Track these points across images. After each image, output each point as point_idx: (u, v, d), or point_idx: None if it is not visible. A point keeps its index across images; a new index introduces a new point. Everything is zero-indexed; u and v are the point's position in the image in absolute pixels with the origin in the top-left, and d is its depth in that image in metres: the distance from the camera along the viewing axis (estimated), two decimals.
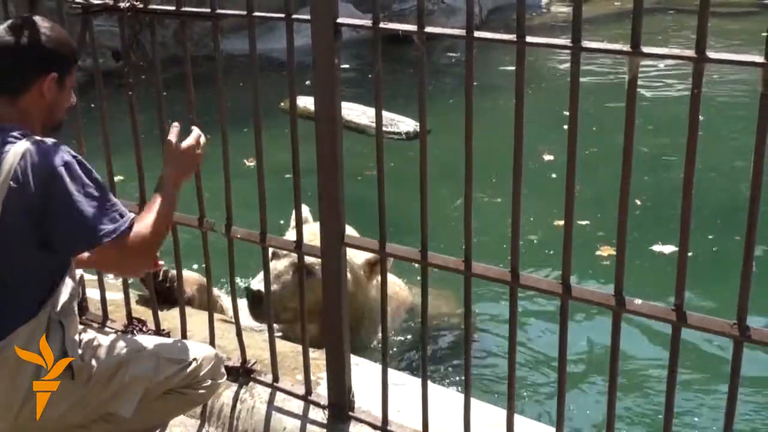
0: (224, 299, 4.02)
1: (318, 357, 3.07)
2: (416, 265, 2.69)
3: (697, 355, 4.33)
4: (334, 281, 2.82)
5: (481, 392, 3.84)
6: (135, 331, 3.42)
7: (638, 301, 2.30)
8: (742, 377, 2.22)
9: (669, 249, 5.38)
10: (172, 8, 2.89)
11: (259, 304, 3.65)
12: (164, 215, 2.55)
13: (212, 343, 3.20)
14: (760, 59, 1.93)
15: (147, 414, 2.66)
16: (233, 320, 3.25)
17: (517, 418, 2.64)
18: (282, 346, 3.29)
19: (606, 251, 5.35)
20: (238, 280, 3.32)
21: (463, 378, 2.73)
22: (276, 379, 3.12)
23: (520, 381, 4.02)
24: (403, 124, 7.00)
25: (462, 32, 2.32)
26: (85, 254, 2.62)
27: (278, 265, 3.83)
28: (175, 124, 2.72)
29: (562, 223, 2.39)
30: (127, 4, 2.94)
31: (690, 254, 2.21)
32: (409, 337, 4.28)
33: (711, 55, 2.00)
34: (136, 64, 3.04)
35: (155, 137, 3.09)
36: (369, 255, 3.72)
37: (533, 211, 5.86)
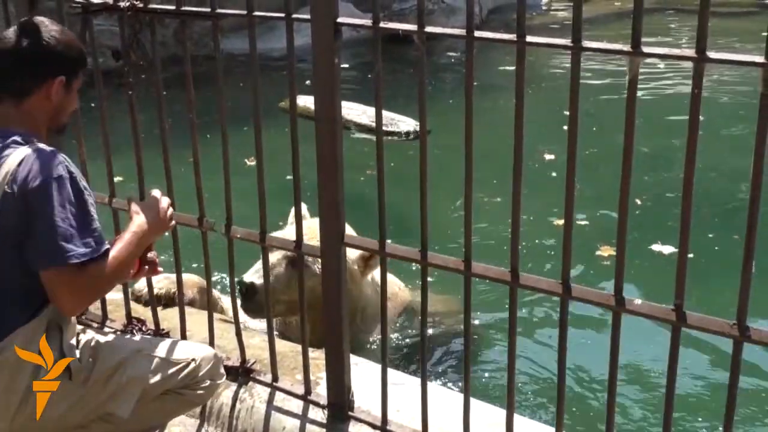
0: (225, 300, 4.02)
1: (317, 357, 3.07)
2: (415, 266, 2.69)
3: (697, 354, 4.33)
4: (333, 281, 2.82)
5: (480, 392, 3.84)
6: (134, 331, 3.41)
7: (638, 301, 2.30)
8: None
9: (668, 249, 5.38)
10: (172, 8, 2.89)
11: (252, 297, 3.64)
12: (125, 262, 2.54)
13: (212, 342, 3.20)
14: (760, 59, 1.93)
15: (145, 414, 2.66)
16: (233, 320, 3.26)
17: (516, 417, 2.64)
18: (281, 345, 3.29)
19: (606, 251, 5.35)
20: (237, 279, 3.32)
21: (462, 378, 2.72)
22: (275, 378, 3.12)
23: (519, 381, 4.02)
24: (403, 123, 6.99)
25: (462, 32, 2.32)
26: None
27: (271, 258, 3.82)
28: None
29: (562, 222, 2.39)
30: (127, 4, 2.94)
31: (690, 254, 2.21)
32: (408, 337, 4.28)
33: (711, 55, 2.00)
34: (136, 63, 3.04)
35: (155, 137, 3.09)
36: None
37: (533, 211, 5.86)
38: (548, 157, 7.06)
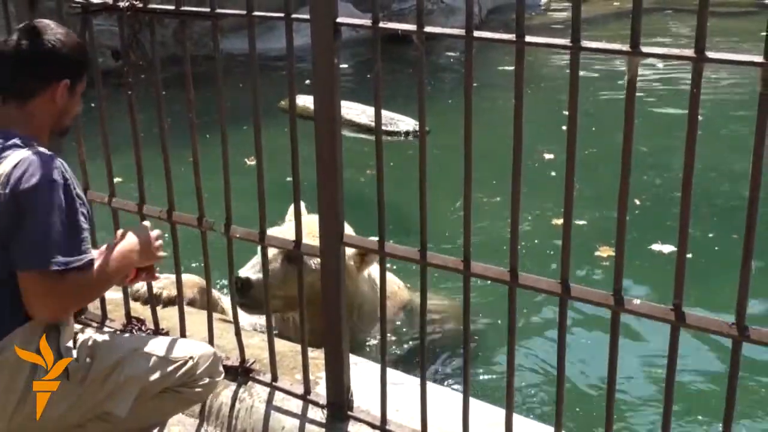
0: (225, 300, 4.02)
1: (317, 356, 3.07)
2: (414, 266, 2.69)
3: (697, 353, 4.33)
4: (333, 281, 2.82)
5: (480, 392, 3.84)
6: (134, 331, 3.42)
7: (637, 301, 2.30)
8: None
9: (668, 248, 5.38)
10: (172, 8, 2.89)
11: (246, 292, 3.64)
12: (106, 278, 2.53)
13: (211, 342, 3.20)
14: (759, 59, 1.93)
15: (143, 413, 2.66)
16: (233, 320, 3.26)
17: (515, 417, 2.64)
18: (281, 345, 3.29)
19: (605, 252, 5.35)
20: None
21: (461, 377, 2.73)
22: (275, 378, 3.13)
23: (519, 380, 4.02)
24: (402, 123, 7.01)
25: (461, 32, 2.32)
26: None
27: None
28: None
29: (560, 222, 2.39)
30: (127, 4, 2.94)
31: (689, 254, 2.21)
32: (408, 336, 4.28)
33: (710, 54, 2.00)
34: (136, 63, 3.04)
35: (155, 136, 3.09)
36: None
37: (532, 211, 5.87)
38: (548, 156, 7.06)
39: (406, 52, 9.20)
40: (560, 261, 2.37)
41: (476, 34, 2.32)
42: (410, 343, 4.24)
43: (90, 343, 2.62)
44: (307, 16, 2.57)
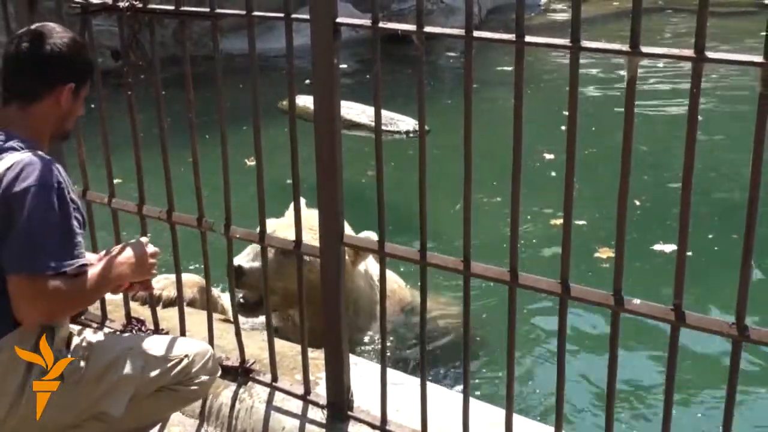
0: (225, 299, 4.02)
1: (317, 357, 3.07)
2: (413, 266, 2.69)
3: (696, 354, 4.33)
4: (332, 281, 2.82)
5: (479, 392, 3.85)
6: (134, 331, 3.41)
7: (637, 301, 2.30)
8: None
9: (670, 248, 5.37)
10: (171, 8, 2.89)
11: (239, 279, 3.62)
12: (97, 287, 2.51)
13: (211, 342, 3.19)
14: (758, 59, 1.93)
15: (139, 412, 2.65)
16: (233, 320, 3.26)
17: (515, 417, 2.64)
18: (281, 345, 3.29)
19: (605, 253, 5.34)
20: None
21: (462, 377, 2.73)
22: (275, 378, 3.12)
23: (519, 381, 4.02)
24: (402, 123, 7.01)
25: (461, 32, 2.32)
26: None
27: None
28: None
29: (559, 222, 2.39)
30: (126, 4, 2.94)
31: (689, 254, 2.21)
32: (408, 336, 4.28)
33: (710, 54, 2.00)
34: (136, 63, 3.04)
35: (154, 137, 3.09)
36: None
37: (532, 211, 5.87)
38: (548, 156, 7.06)
39: (405, 52, 9.19)
40: (560, 261, 2.37)
41: (476, 34, 2.32)
42: (410, 343, 4.24)
43: (84, 344, 2.61)
44: (306, 16, 2.57)
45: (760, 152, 2.00)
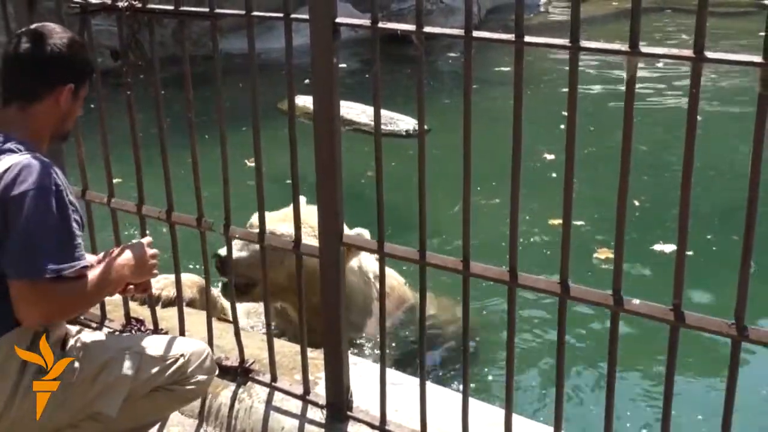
0: (224, 300, 4.01)
1: (316, 357, 3.07)
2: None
3: (696, 354, 4.33)
4: (332, 281, 2.82)
5: (479, 392, 3.84)
6: (133, 331, 3.41)
7: (636, 301, 2.30)
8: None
9: (670, 248, 5.37)
10: (171, 8, 2.89)
11: (225, 268, 3.59)
12: (98, 289, 2.50)
13: (210, 342, 3.20)
14: (758, 59, 1.93)
15: (136, 412, 2.65)
16: (232, 320, 3.25)
17: (515, 417, 2.64)
18: (280, 345, 3.29)
19: (604, 254, 5.33)
20: None
21: (461, 377, 2.73)
22: (274, 378, 3.12)
23: (518, 381, 4.02)
24: (402, 122, 7.01)
25: (461, 32, 2.32)
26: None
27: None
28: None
29: (559, 222, 2.39)
30: (126, 4, 2.94)
31: (689, 254, 2.21)
32: (407, 336, 4.27)
33: (709, 54, 2.00)
34: (135, 63, 3.04)
35: (154, 137, 3.09)
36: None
37: (532, 211, 5.86)
38: (548, 157, 7.06)
39: (405, 52, 9.19)
40: (560, 261, 2.37)
41: (475, 34, 2.32)
42: (409, 342, 4.23)
43: (79, 344, 2.60)
44: (306, 16, 2.57)
45: (759, 152, 2.00)
